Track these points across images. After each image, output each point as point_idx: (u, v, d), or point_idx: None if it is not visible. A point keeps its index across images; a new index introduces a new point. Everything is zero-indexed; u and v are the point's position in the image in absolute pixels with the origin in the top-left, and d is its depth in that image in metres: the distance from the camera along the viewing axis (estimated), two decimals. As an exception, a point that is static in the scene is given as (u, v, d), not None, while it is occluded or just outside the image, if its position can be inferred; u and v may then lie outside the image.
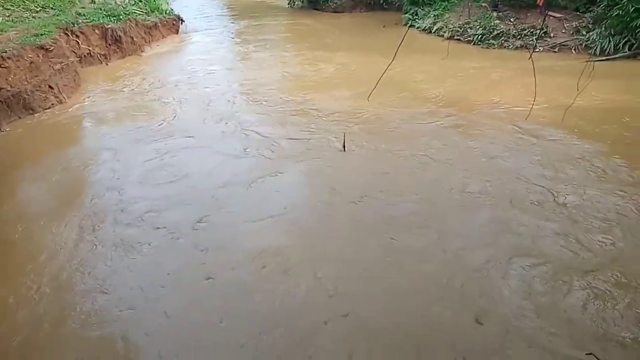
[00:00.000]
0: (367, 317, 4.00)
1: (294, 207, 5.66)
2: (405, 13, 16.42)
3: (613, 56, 10.84)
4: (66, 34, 11.56)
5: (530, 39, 12.34)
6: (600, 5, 11.37)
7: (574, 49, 11.76)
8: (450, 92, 9.34)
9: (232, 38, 16.37)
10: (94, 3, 14.01)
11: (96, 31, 12.55)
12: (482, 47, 12.90)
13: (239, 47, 14.90)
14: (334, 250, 4.85)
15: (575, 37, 11.97)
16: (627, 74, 9.83)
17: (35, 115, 8.90)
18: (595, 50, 11.14)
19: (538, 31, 12.28)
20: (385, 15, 17.95)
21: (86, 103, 9.67)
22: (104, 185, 6.33)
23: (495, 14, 13.51)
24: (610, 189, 5.61)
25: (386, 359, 3.63)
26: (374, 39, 14.57)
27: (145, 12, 14.91)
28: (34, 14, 12.17)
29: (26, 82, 8.92)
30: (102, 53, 12.72)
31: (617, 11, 10.54)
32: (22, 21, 11.38)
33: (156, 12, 15.40)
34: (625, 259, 4.49)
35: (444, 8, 15.13)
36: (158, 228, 5.31)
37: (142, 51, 13.81)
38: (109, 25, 12.83)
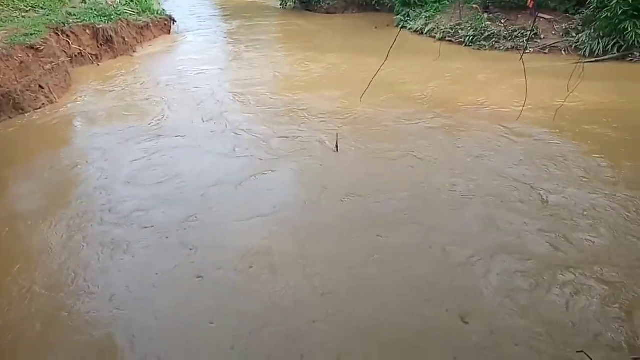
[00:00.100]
0: (355, 316, 4.02)
1: (284, 206, 5.68)
2: (397, 14, 16.47)
3: (602, 58, 10.96)
4: (57, 33, 11.49)
5: (521, 41, 12.43)
6: (590, 7, 11.47)
7: (564, 51, 11.87)
8: (440, 92, 9.40)
9: (224, 38, 16.36)
10: (85, 3, 13.93)
11: (87, 31, 12.48)
12: (473, 49, 12.98)
13: (231, 48, 14.90)
14: (323, 248, 4.87)
15: (565, 38, 12.08)
16: (616, 76, 9.96)
17: (26, 115, 8.84)
18: (585, 51, 11.25)
19: (528, 33, 12.38)
20: (377, 17, 18.00)
21: (77, 103, 9.62)
22: (93, 185, 6.31)
23: (486, 15, 13.61)
24: (594, 188, 5.70)
25: (375, 358, 3.64)
26: (366, 40, 14.61)
27: (137, 13, 14.84)
28: (23, 14, 12.09)
29: (16, 82, 8.86)
30: (94, 53, 12.64)
31: (606, 13, 10.65)
32: (11, 21, 11.29)
33: (148, 13, 15.33)
34: (608, 256, 4.56)
35: (435, 9, 15.21)
36: (147, 227, 5.30)
37: (133, 51, 13.74)
38: (100, 25, 12.76)
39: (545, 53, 12.01)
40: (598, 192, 5.59)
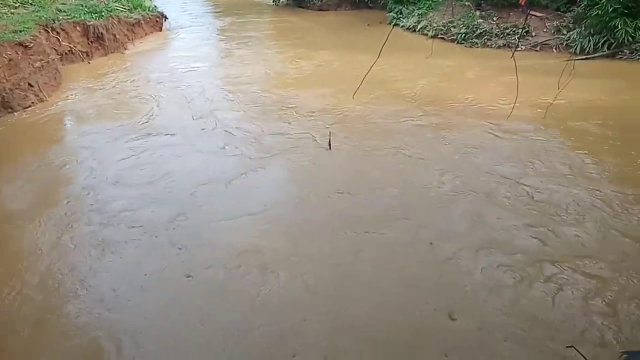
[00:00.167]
0: (347, 314, 4.02)
1: (275, 204, 5.67)
2: (390, 12, 16.48)
3: (592, 55, 11.03)
4: (46, 30, 11.37)
5: (513, 38, 12.48)
6: (580, 5, 11.54)
7: (555, 48, 11.93)
8: (431, 90, 9.42)
9: (216, 35, 16.28)
10: (75, -1, 13.77)
11: (77, 28, 12.36)
12: (465, 46, 13.01)
13: (223, 45, 14.82)
14: (315, 246, 4.87)
15: (556, 36, 12.14)
16: (606, 73, 10.03)
17: (15, 114, 8.74)
18: (576, 49, 11.31)
19: (520, 30, 12.43)
20: (370, 14, 17.99)
21: (67, 101, 9.52)
22: (82, 184, 6.25)
23: (478, 13, 13.63)
24: (579, 184, 5.77)
25: (366, 356, 3.65)
26: (358, 37, 14.60)
27: (128, 9, 14.71)
28: (12, 10, 11.91)
29: (5, 80, 8.75)
30: (84, 50, 12.53)
31: (597, 11, 10.72)
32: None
33: (139, 9, 15.21)
34: (593, 250, 4.62)
35: (428, 7, 15.22)
36: (136, 227, 5.26)
37: (125, 49, 13.64)
38: (91, 22, 12.64)
39: (536, 50, 12.07)
40: (583, 188, 5.66)
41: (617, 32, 10.58)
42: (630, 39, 10.54)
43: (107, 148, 7.30)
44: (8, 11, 11.74)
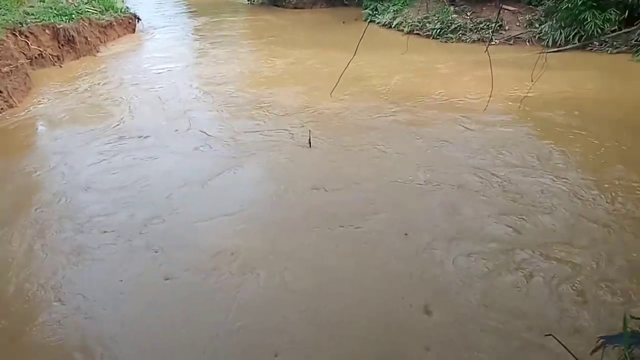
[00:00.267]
0: (324, 311, 4.00)
1: (253, 203, 5.64)
2: (365, 8, 16.52)
3: (564, 48, 11.26)
4: (14, 34, 11.06)
5: (487, 32, 12.65)
6: (551, -2, 11.78)
7: (528, 41, 12.14)
8: (407, 85, 9.49)
9: (190, 35, 16.11)
10: (44, 2, 13.42)
11: (47, 31, 12.06)
12: (441, 41, 13.14)
13: (197, 44, 14.68)
14: (293, 244, 4.86)
15: (528, 29, 12.35)
16: (577, 65, 10.28)
17: (-17, 120, 8.48)
18: (548, 42, 11.53)
19: (493, 24, 12.60)
20: (346, 11, 18.02)
21: (38, 106, 9.28)
22: (53, 191, 6.10)
23: (452, 8, 13.77)
24: (550, 173, 5.90)
25: (348, 353, 3.64)
26: (334, 35, 14.61)
27: (99, 11, 14.43)
28: (-23, 14, 11.58)
29: (-29, 87, 8.49)
30: (55, 54, 12.22)
31: (567, 4, 10.94)
32: (-36, 22, 10.81)
33: (111, 11, 14.93)
34: (565, 238, 4.72)
35: (403, 3, 15.30)
36: (110, 232, 5.15)
37: (97, 51, 13.37)
38: (61, 25, 12.34)
39: (510, 44, 12.26)
40: (552, 178, 5.79)
41: (586, 24, 10.81)
42: (599, 31, 10.79)
43: (79, 152, 7.15)
44: (-27, 15, 11.40)
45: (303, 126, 7.53)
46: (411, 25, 14.15)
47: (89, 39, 13.18)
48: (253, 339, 3.79)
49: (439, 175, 6.01)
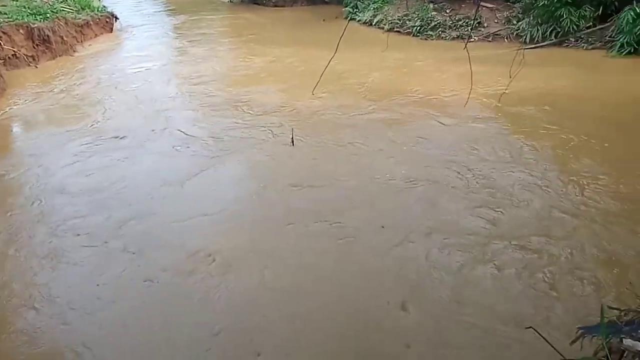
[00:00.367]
0: (307, 308, 3.99)
1: (232, 201, 5.62)
2: (346, 6, 16.54)
3: (541, 44, 11.43)
4: (-14, 34, 10.80)
5: (466, 30, 12.75)
6: (528, -5, 11.93)
7: (506, 38, 12.29)
8: (387, 83, 9.53)
9: (169, 34, 15.97)
10: (17, 1, 13.13)
11: (20, 31, 11.79)
12: (421, 39, 13.22)
13: (176, 43, 14.57)
14: (272, 242, 4.84)
15: (507, 26, 12.51)
16: (553, 61, 10.45)
17: (-44, 123, 8.26)
18: (526, 38, 11.70)
19: (472, 22, 12.72)
20: (326, 9, 18.00)
21: (13, 108, 9.08)
22: (26, 194, 5.96)
23: (432, 5, 13.86)
24: (525, 167, 6.00)
25: (330, 352, 3.63)
26: (314, 33, 14.59)
27: (75, 10, 14.19)
28: (-53, 14, 11.27)
29: (-58, 88, 8.25)
30: (30, 54, 11.95)
31: (543, 1, 11.10)
32: None
33: (87, 10, 14.70)
34: (541, 230, 4.80)
35: (383, 1, 15.34)
36: (85, 235, 5.04)
37: (74, 51, 13.14)
38: (35, 25, 12.08)
39: (489, 41, 12.38)
40: (526, 172, 5.88)
41: (562, 21, 10.99)
42: (574, 27, 10.97)
43: (54, 154, 7.00)
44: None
45: (282, 124, 7.51)
46: (391, 22, 14.20)
47: (65, 38, 12.94)
48: (235, 338, 3.76)
49: (417, 171, 6.05)
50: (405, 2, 14.41)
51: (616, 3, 10.71)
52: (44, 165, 6.65)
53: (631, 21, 9.91)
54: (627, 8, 10.15)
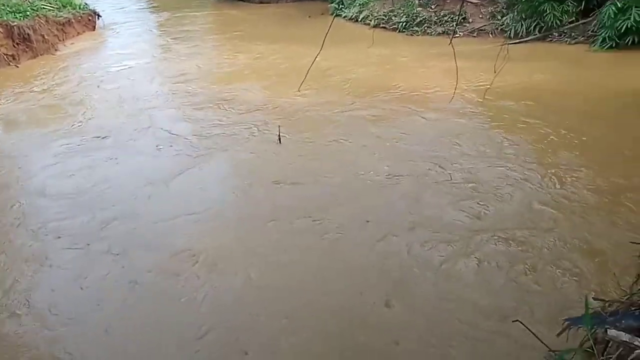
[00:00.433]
0: (294, 306, 3.99)
1: (217, 200, 5.60)
2: (331, 2, 16.45)
3: (525, 39, 11.51)
4: (-37, 33, 10.56)
5: (451, 25, 12.78)
6: (512, -10, 12.01)
7: (491, 33, 12.34)
8: (372, 79, 9.52)
9: (152, 31, 15.80)
10: (-5, -1, 12.85)
11: (0, 29, 11.54)
12: (406, 35, 13.22)
13: (159, 40, 14.45)
14: (258, 240, 4.83)
15: (491, 21, 12.56)
16: (537, 56, 10.52)
17: None
18: (510, 33, 11.77)
19: (457, 17, 12.76)
20: (312, 5, 17.89)
21: (-7, 108, 8.90)
22: (7, 196, 5.86)
23: (417, 1, 13.86)
24: (506, 162, 6.06)
25: (317, 350, 3.62)
26: (300, 29, 14.52)
27: (57, 8, 13.91)
28: None
29: None
30: (10, 54, 11.71)
31: (527, -4, 11.18)
32: None
33: (69, 8, 14.41)
34: (523, 223, 4.86)
35: (369, -4, 15.31)
36: (67, 237, 4.97)
37: (55, 50, 12.91)
38: (15, 23, 11.83)
39: (474, 36, 12.43)
40: (510, 165, 5.95)
41: (546, 16, 11.07)
42: (558, 22, 11.08)
43: (35, 155, 6.89)
44: None
45: (266, 122, 7.47)
46: (377, 18, 14.18)
47: (46, 37, 12.70)
48: (222, 338, 3.74)
49: (400, 166, 6.08)
50: (390, -2, 14.41)
51: (598, -2, 10.84)
52: (24, 167, 6.55)
53: (612, 16, 10.01)
54: (608, 3, 10.25)
